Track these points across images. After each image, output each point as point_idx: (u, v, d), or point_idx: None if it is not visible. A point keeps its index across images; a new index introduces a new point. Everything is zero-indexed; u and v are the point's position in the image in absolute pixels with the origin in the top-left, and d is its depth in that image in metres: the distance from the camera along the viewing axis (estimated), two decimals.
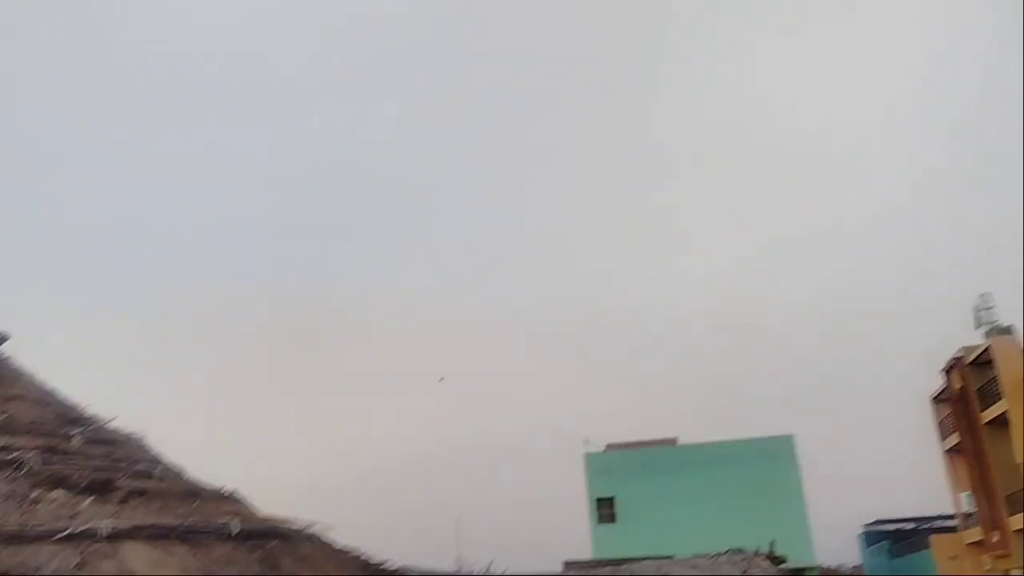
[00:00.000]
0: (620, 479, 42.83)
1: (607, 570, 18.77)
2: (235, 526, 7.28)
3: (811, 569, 35.04)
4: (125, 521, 6.63)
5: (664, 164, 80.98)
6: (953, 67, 77.66)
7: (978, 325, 35.53)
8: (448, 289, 76.53)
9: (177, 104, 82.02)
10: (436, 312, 74.01)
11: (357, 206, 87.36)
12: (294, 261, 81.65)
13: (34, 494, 6.81)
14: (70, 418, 8.82)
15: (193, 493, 8.22)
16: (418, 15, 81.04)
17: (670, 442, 45.17)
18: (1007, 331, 34.30)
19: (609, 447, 45.42)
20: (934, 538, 41.17)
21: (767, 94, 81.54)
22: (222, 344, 67.51)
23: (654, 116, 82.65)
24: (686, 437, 44.77)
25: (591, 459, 43.63)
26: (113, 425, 9.12)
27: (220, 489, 8.74)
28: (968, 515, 37.94)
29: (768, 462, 41.09)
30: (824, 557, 41.13)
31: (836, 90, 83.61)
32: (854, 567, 50.90)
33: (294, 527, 8.22)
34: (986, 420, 34.04)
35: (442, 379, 45.65)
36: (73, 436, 8.20)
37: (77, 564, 5.94)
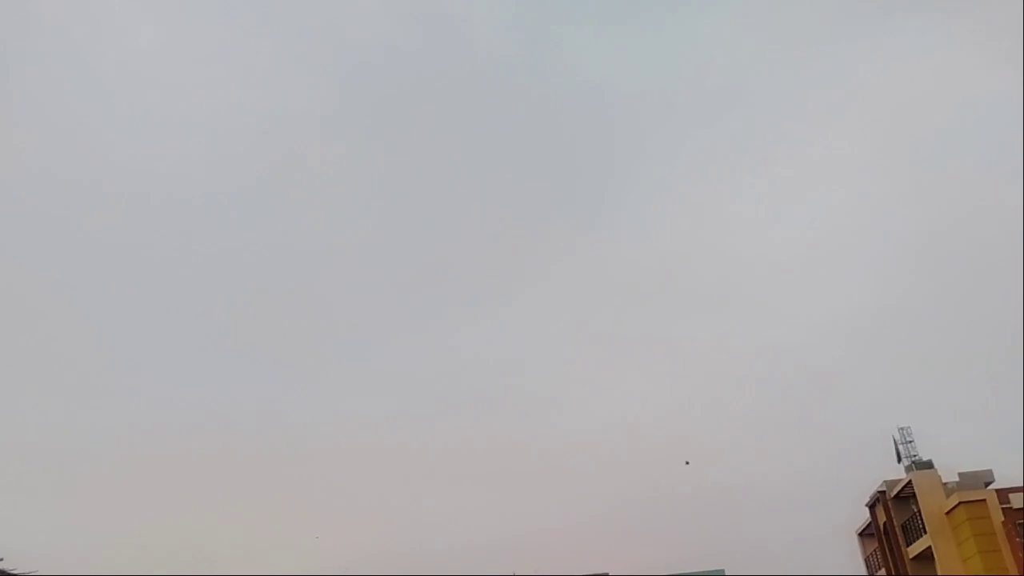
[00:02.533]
0: None
1: None
2: None
3: None
4: None
5: (603, 296, 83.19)
6: (875, 210, 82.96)
7: (899, 459, 36.48)
8: (390, 418, 75.25)
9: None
10: (369, 439, 72.34)
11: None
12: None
13: None
14: None
15: None
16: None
17: None
18: (927, 465, 35.23)
19: None
20: None
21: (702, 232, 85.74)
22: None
23: (588, 251, 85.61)
24: (617, 570, 44.02)
25: None
26: None
27: None
28: None
29: None
30: None
31: (765, 228, 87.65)
32: None
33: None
34: (912, 555, 34.47)
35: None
36: None
37: None
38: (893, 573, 36.16)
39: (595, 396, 77.51)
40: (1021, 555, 29.46)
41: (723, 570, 41.81)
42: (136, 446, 68.64)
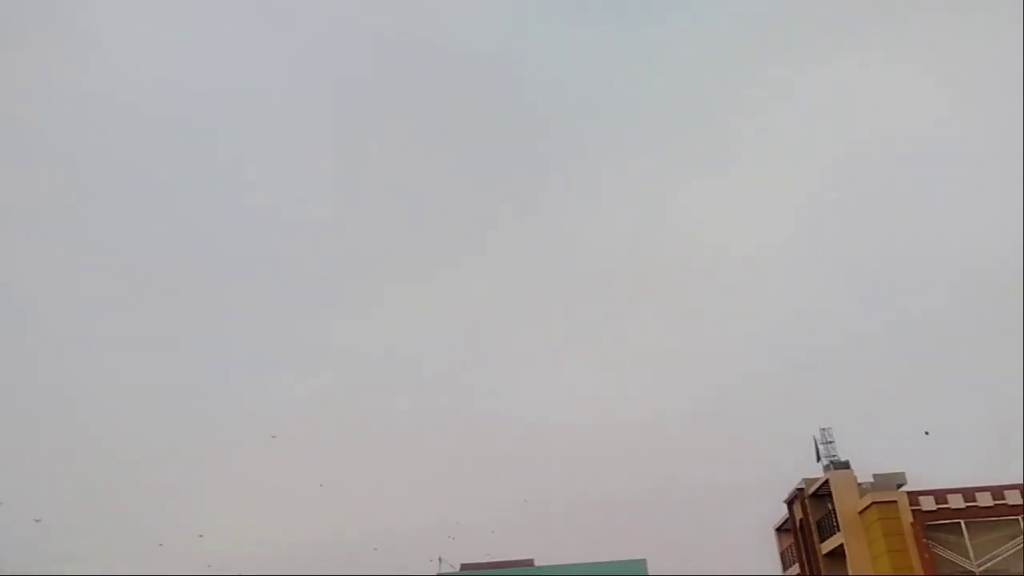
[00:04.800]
0: None
1: None
2: None
3: None
4: None
5: (543, 287, 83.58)
6: (814, 222, 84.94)
7: (818, 458, 37.51)
8: (321, 398, 74.46)
9: None
10: (304, 420, 71.45)
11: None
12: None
13: None
14: None
15: None
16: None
17: (527, 563, 44.66)
18: (844, 465, 36.31)
19: (464, 567, 44.37)
20: None
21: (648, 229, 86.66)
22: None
23: (536, 240, 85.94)
24: (543, 559, 44.41)
25: None
26: None
27: None
28: None
29: None
30: None
31: (713, 230, 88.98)
32: None
33: None
34: (825, 552, 35.54)
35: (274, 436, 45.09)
36: None
37: None
38: (806, 568, 37.25)
39: (533, 385, 78.08)
40: (927, 556, 30.56)
41: (644, 560, 42.43)
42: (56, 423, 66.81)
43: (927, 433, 37.56)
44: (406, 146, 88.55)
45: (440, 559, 43.42)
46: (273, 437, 47.78)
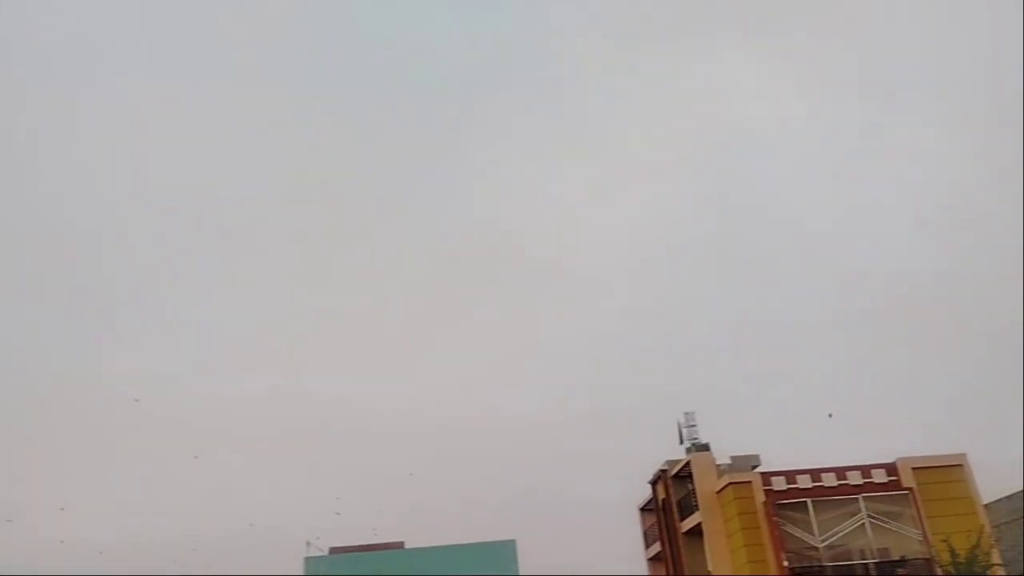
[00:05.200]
0: None
1: None
2: None
3: None
4: None
5: (411, 275, 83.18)
6: (681, 213, 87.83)
7: (681, 441, 39.08)
8: (180, 378, 71.58)
9: None
10: (165, 399, 68.45)
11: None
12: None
13: None
14: None
15: None
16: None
17: (397, 545, 44.54)
18: (705, 447, 38.00)
19: (333, 550, 43.80)
20: None
21: (508, 218, 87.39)
22: None
23: (402, 228, 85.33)
24: (413, 541, 44.37)
25: (310, 563, 41.82)
26: None
27: None
28: None
29: (491, 565, 41.87)
30: None
31: (576, 218, 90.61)
32: None
33: None
34: (684, 530, 37.11)
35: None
36: None
37: None
38: (667, 546, 38.81)
39: (400, 366, 77.80)
40: (776, 532, 32.35)
41: (514, 541, 43.13)
42: None
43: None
44: (265, 122, 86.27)
45: (309, 543, 42.74)
46: (136, 400, 45.75)
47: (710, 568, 35.06)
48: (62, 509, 45.72)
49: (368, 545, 44.08)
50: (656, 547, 40.58)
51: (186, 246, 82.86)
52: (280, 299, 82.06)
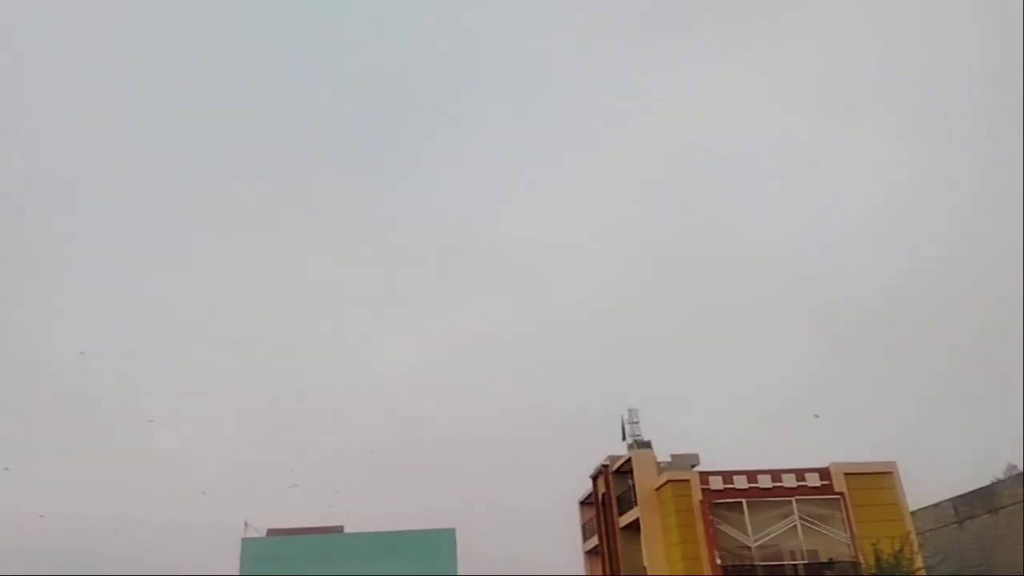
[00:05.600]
0: (279, 566, 41.05)
1: None
2: None
3: None
4: None
5: (367, 261, 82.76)
6: (639, 212, 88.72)
7: (624, 437, 39.52)
8: (121, 351, 70.28)
9: None
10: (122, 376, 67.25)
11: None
12: None
13: None
14: None
15: None
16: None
17: (336, 530, 44.36)
18: (647, 445, 38.46)
19: (271, 532, 43.47)
20: None
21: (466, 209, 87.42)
22: None
23: (359, 214, 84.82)
24: (353, 526, 44.23)
25: (247, 544, 41.46)
26: None
27: None
28: None
29: (430, 553, 41.95)
30: None
31: (534, 213, 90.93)
32: None
33: None
34: (622, 525, 37.61)
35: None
36: None
37: None
38: (604, 540, 39.29)
39: (356, 349, 77.43)
40: (711, 531, 32.98)
41: (454, 529, 43.26)
42: None
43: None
44: (242, 102, 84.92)
45: (246, 523, 42.33)
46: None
47: (645, 563, 35.61)
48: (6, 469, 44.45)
49: (307, 528, 43.82)
50: (594, 540, 41.05)
51: (145, 218, 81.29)
52: (238, 279, 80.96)
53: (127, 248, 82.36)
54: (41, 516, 45.44)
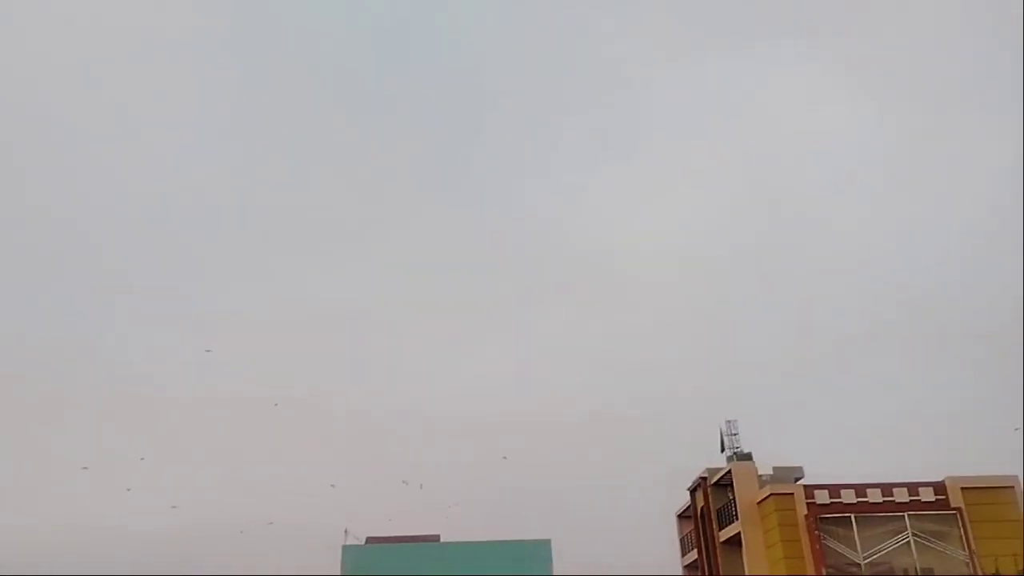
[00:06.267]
0: (377, 574, 41.73)
1: None
2: None
3: None
4: None
5: (455, 269, 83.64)
6: (723, 216, 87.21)
7: (722, 449, 38.71)
8: (208, 365, 72.78)
9: None
10: (199, 385, 69.69)
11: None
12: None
13: None
14: None
15: None
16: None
17: (432, 538, 44.79)
18: (747, 457, 37.58)
19: (370, 540, 44.23)
20: None
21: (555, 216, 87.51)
22: None
23: (449, 218, 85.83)
24: (449, 536, 44.58)
25: (347, 552, 42.24)
26: None
27: None
28: None
29: (526, 563, 41.94)
30: None
31: (621, 219, 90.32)
32: None
33: None
34: (723, 539, 36.77)
35: None
36: None
37: None
38: (703, 554, 38.50)
39: (435, 361, 78.17)
40: (818, 546, 31.92)
41: (549, 541, 43.14)
42: None
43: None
44: (321, 118, 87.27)
45: (346, 531, 43.23)
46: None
47: None
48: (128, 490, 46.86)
49: (404, 536, 44.41)
50: (692, 555, 40.27)
51: (224, 235, 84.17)
52: (320, 290, 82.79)
53: (220, 261, 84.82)
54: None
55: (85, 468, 47.75)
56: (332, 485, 45.11)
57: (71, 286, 78.11)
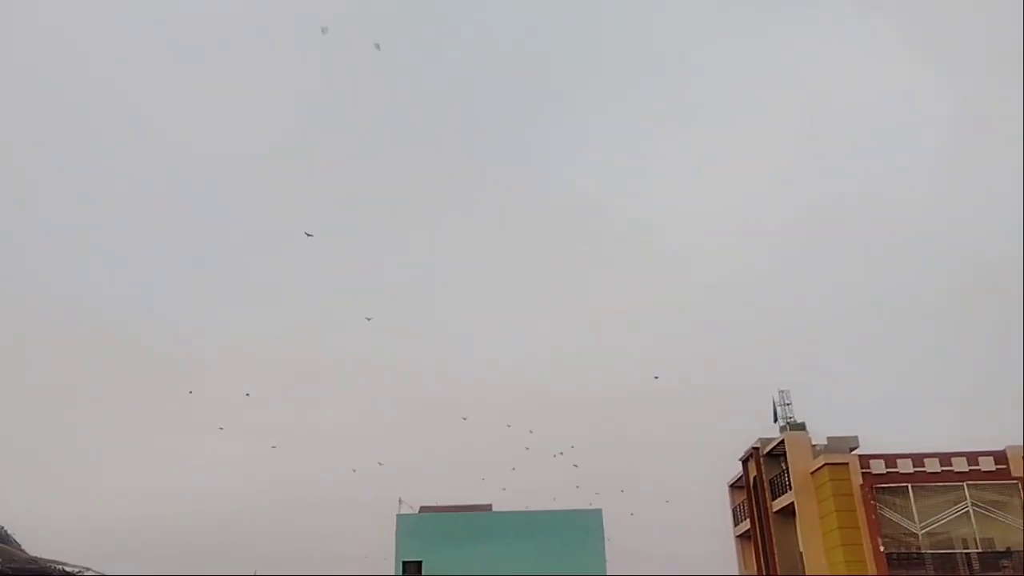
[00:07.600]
0: (431, 543, 42.40)
1: None
2: None
3: None
4: None
5: (502, 243, 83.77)
6: (782, 187, 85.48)
7: (775, 419, 38.33)
8: (268, 336, 74.35)
9: None
10: (261, 361, 71.32)
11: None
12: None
13: None
14: None
15: None
16: None
17: (485, 508, 45.30)
18: (800, 427, 37.18)
19: (423, 509, 44.94)
20: None
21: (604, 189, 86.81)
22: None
23: (511, 190, 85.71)
24: (501, 505, 45.05)
25: (402, 520, 43.00)
26: None
27: None
28: None
29: (578, 532, 42.22)
30: None
31: (682, 188, 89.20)
32: None
33: (66, 569, 7.68)
34: (775, 509, 36.53)
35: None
36: None
37: None
38: (756, 524, 38.30)
39: (499, 333, 78.54)
40: (873, 516, 31.54)
41: (600, 510, 43.31)
42: None
43: None
44: (377, 92, 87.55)
45: (400, 500, 43.96)
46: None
47: (801, 549, 34.48)
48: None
49: (457, 506, 45.01)
50: (745, 525, 40.10)
51: (287, 210, 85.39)
52: (378, 260, 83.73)
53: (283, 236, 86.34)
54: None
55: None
56: (379, 463, 46.11)
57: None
